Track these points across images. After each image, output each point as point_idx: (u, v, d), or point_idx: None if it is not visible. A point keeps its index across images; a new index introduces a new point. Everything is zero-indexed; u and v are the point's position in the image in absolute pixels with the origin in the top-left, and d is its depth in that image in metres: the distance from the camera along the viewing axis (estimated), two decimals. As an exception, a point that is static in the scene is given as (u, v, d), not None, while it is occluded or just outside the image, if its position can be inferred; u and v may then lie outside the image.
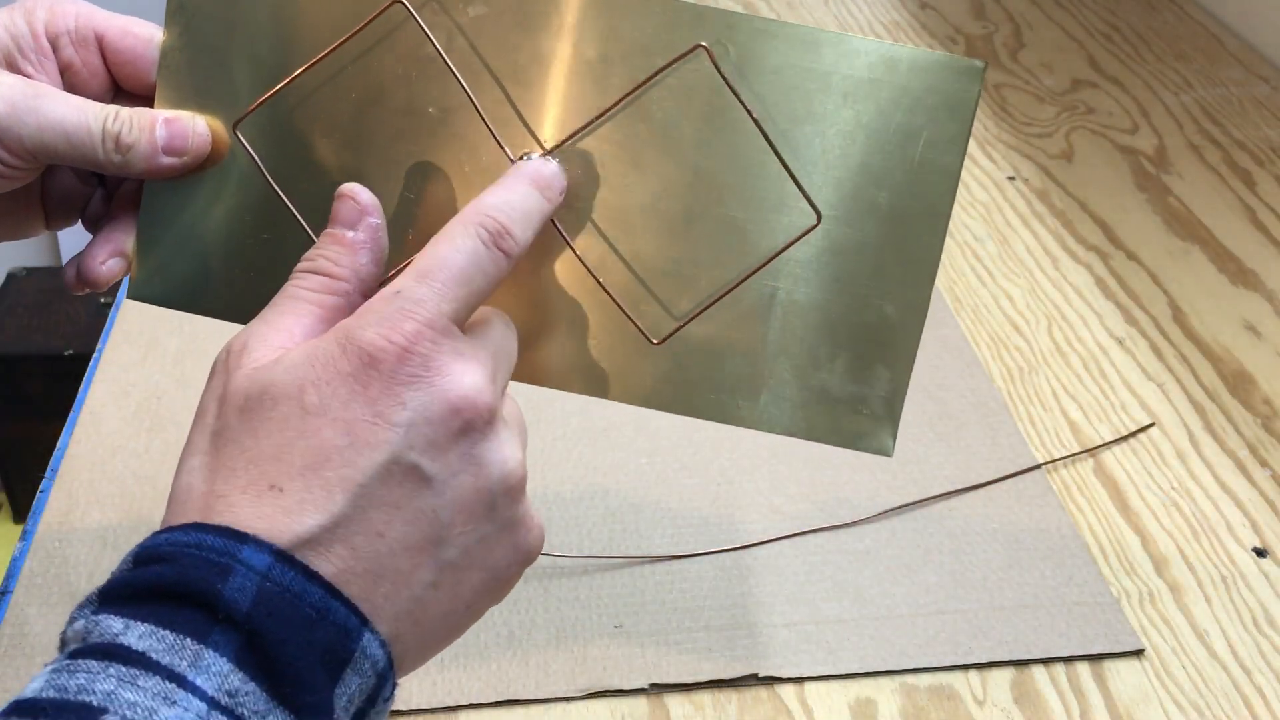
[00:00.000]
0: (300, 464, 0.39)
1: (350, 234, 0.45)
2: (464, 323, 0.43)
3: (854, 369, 0.52)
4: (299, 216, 0.51)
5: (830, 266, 0.52)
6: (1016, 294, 0.89)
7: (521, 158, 0.50)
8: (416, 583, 0.40)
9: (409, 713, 0.59)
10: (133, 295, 0.54)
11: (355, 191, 0.45)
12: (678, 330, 0.52)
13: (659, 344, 0.52)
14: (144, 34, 0.53)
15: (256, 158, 0.52)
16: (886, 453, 0.53)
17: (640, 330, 0.52)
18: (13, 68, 0.51)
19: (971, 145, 1.07)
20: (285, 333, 0.42)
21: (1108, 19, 1.29)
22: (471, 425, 0.41)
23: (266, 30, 0.52)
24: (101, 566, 0.66)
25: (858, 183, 0.51)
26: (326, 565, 0.38)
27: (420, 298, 0.41)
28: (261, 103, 0.51)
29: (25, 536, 0.68)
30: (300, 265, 0.45)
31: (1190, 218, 0.97)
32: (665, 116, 0.51)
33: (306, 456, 0.39)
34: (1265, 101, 1.13)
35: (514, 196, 0.45)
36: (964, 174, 1.02)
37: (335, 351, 0.40)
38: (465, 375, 0.41)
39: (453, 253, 0.43)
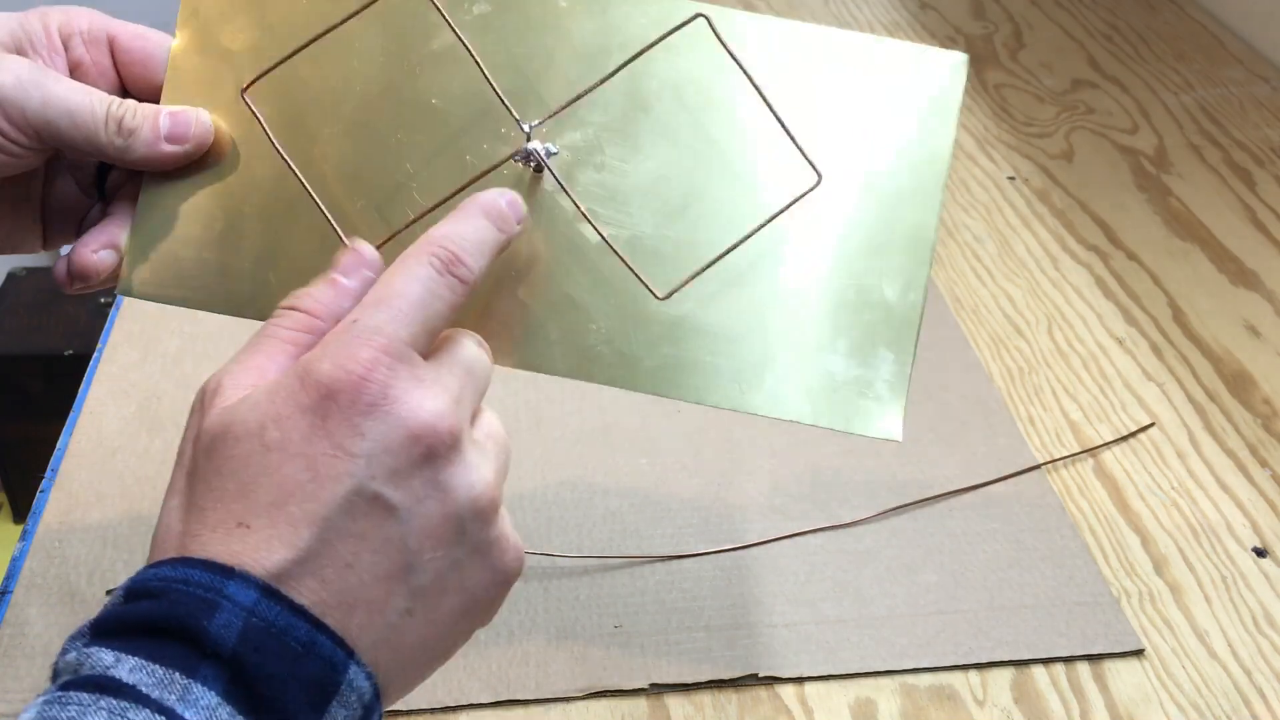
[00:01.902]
0: (265, 501, 0.39)
1: (344, 280, 0.45)
2: (424, 349, 0.43)
3: (858, 351, 0.53)
4: (301, 178, 0.52)
5: (831, 249, 0.53)
6: (1016, 294, 0.89)
7: (531, 130, 0.51)
8: (391, 610, 0.40)
9: (409, 713, 0.59)
10: (122, 290, 0.53)
11: (361, 246, 0.46)
12: (684, 285, 0.52)
13: (664, 299, 0.52)
14: (155, 38, 0.54)
15: (264, 123, 0.52)
16: (894, 436, 0.53)
17: (646, 286, 0.52)
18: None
19: (971, 145, 1.07)
20: (257, 371, 0.42)
21: (1108, 19, 1.29)
22: (434, 451, 0.41)
23: (282, 39, 0.53)
24: (101, 566, 0.66)
25: (853, 168, 0.53)
26: (299, 599, 0.38)
27: (376, 325, 0.41)
28: (269, 70, 0.52)
29: (25, 536, 0.68)
30: (282, 303, 0.45)
31: (1190, 218, 0.97)
32: (663, 103, 0.53)
33: (270, 493, 0.39)
34: (1265, 101, 1.13)
35: (465, 228, 0.46)
36: (964, 174, 1.03)
37: (295, 386, 0.40)
38: (425, 401, 0.41)
39: (407, 281, 0.43)
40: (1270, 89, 1.15)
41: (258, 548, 0.38)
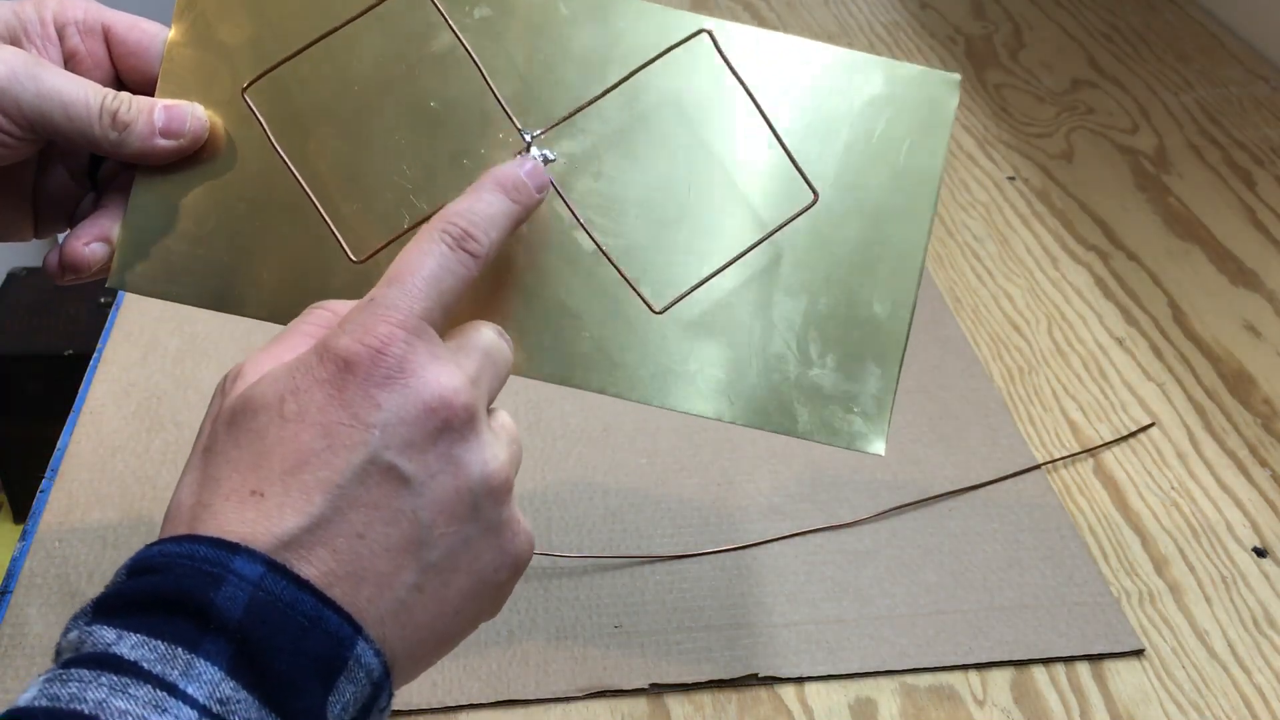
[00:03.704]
0: (280, 469, 0.39)
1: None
2: (440, 324, 0.43)
3: (845, 366, 0.53)
4: (304, 185, 0.52)
5: (821, 265, 0.53)
6: (1016, 294, 0.89)
7: (531, 140, 0.51)
8: (400, 585, 0.40)
9: (409, 713, 0.59)
10: (113, 283, 0.53)
11: None
12: (681, 298, 0.52)
13: (660, 312, 0.52)
14: (151, 29, 0.54)
15: (263, 122, 0.52)
16: (878, 451, 0.54)
17: (643, 299, 0.52)
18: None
19: (971, 145, 1.07)
20: (277, 360, 0.43)
21: (1108, 19, 1.29)
22: (449, 425, 0.41)
23: (280, 35, 0.53)
24: (102, 566, 0.66)
25: (845, 186, 0.53)
26: (309, 568, 0.38)
27: (392, 302, 0.42)
28: (271, 70, 0.52)
29: (25, 536, 0.68)
30: (315, 304, 0.46)
31: (1190, 218, 0.97)
32: (661, 114, 0.53)
33: (286, 461, 0.39)
34: (1265, 101, 1.13)
35: (477, 203, 0.46)
36: (964, 174, 1.03)
37: (313, 361, 0.41)
38: (441, 375, 0.41)
39: (419, 257, 0.44)
40: (1270, 89, 1.15)
41: (269, 515, 0.39)
